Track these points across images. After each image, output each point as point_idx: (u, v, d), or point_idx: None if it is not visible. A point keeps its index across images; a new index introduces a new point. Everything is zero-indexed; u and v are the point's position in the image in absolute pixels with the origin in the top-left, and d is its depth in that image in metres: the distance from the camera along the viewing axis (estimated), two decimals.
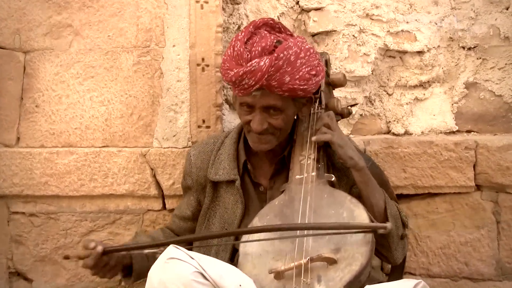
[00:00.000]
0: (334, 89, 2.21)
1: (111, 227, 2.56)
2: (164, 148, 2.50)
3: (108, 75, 2.50)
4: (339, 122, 2.15)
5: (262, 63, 1.87)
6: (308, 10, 2.62)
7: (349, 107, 2.20)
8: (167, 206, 2.54)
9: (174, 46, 2.47)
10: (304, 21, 2.63)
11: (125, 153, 2.50)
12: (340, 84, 2.18)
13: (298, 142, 2.07)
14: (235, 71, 1.90)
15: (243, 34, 1.97)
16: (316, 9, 2.61)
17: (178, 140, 2.49)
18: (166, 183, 2.49)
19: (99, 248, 1.94)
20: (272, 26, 2.04)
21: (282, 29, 2.05)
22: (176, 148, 2.49)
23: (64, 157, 2.50)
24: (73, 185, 2.51)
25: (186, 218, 2.25)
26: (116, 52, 2.50)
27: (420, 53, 2.61)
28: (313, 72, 1.94)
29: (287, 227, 1.83)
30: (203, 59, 2.45)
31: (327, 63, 2.19)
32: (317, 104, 2.09)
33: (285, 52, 1.89)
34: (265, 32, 2.00)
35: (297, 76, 1.91)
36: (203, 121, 2.48)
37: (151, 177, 2.50)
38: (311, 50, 1.96)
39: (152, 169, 2.50)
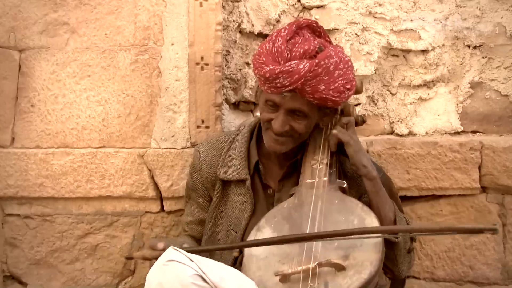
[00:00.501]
0: None
1: (108, 229, 2.53)
2: (162, 149, 2.46)
3: (105, 74, 2.47)
4: None
5: (301, 66, 1.84)
6: (309, 8, 2.59)
7: (363, 115, 2.17)
8: (165, 208, 2.51)
9: (172, 44, 2.44)
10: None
11: (123, 154, 2.46)
12: (357, 91, 2.14)
13: (311, 146, 2.05)
14: (271, 67, 1.87)
15: (286, 31, 1.94)
16: (318, 7, 2.58)
17: (176, 140, 2.46)
18: (164, 184, 2.46)
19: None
20: (314, 29, 2.01)
21: (322, 33, 2.02)
22: (175, 148, 2.46)
23: (60, 158, 2.47)
24: (69, 187, 2.48)
25: (205, 221, 2.19)
26: (113, 51, 2.46)
27: (424, 52, 2.58)
28: (348, 86, 1.92)
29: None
30: (202, 58, 2.43)
31: None
32: None
33: (326, 60, 1.86)
34: (308, 34, 1.97)
35: (332, 87, 1.88)
36: (202, 121, 2.45)
37: (149, 179, 2.47)
38: (350, 63, 1.94)
39: (150, 170, 2.46)
